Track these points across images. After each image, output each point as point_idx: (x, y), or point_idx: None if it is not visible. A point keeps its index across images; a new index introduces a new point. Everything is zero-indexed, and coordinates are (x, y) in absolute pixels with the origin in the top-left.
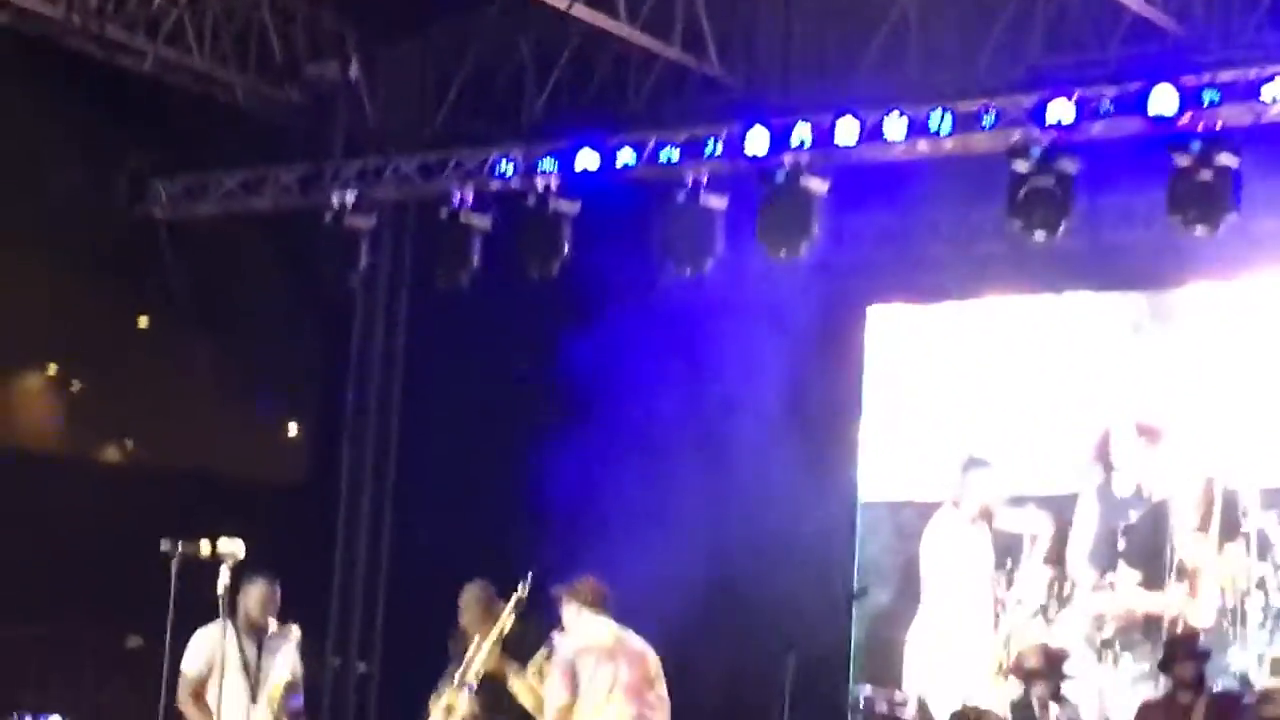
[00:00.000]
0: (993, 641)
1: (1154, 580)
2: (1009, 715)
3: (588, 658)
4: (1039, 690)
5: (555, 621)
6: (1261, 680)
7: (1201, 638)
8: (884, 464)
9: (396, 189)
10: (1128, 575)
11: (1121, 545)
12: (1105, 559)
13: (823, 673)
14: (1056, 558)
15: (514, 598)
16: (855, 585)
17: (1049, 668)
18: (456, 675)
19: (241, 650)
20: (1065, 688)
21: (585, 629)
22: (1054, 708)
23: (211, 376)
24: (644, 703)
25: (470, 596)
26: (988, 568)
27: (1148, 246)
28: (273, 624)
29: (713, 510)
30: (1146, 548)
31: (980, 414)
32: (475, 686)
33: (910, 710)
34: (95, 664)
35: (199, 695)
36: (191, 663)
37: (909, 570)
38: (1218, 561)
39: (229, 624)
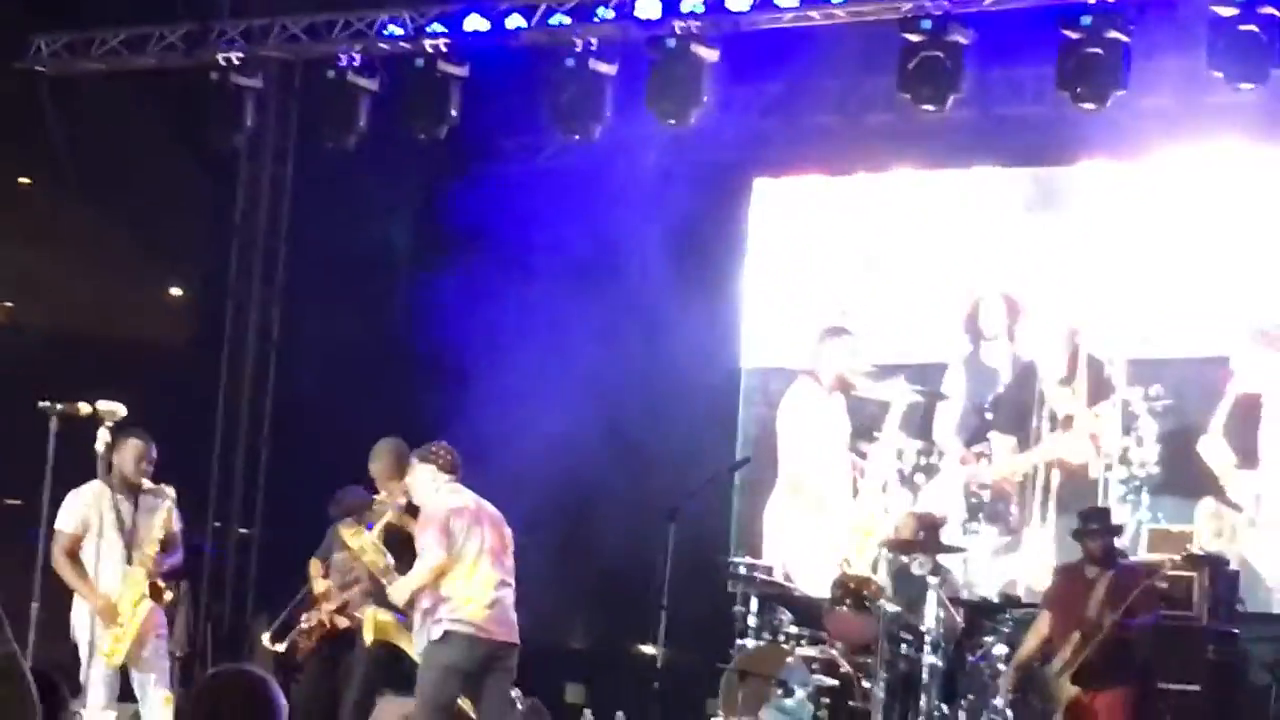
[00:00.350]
0: (852, 510)
1: (1026, 442)
2: (889, 583)
3: (459, 520)
4: (918, 560)
5: None
6: (1140, 553)
7: (1113, 513)
8: (763, 333)
9: (283, 48)
10: (1001, 442)
11: (989, 416)
12: (973, 430)
13: (705, 541)
14: (921, 428)
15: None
16: (738, 454)
17: (927, 535)
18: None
19: (117, 509)
20: (943, 557)
21: (447, 492)
22: (932, 579)
23: (95, 237)
24: (505, 568)
25: (381, 449)
26: (844, 437)
27: (1037, 121)
28: (147, 483)
29: (600, 375)
30: (1016, 413)
31: (854, 285)
32: (372, 525)
33: (777, 577)
34: None
35: (74, 554)
36: (66, 521)
37: (772, 439)
38: (1087, 414)
39: (101, 483)
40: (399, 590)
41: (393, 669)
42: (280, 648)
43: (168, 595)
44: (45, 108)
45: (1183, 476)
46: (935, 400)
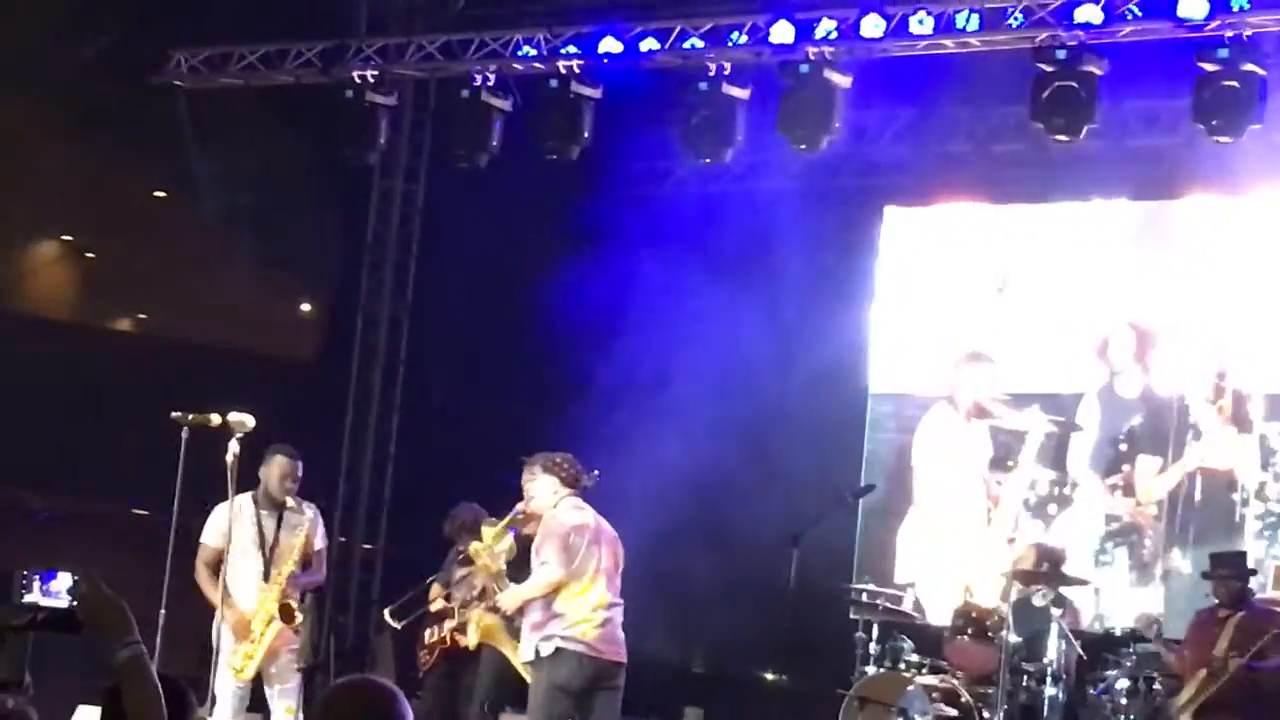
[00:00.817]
0: (986, 538)
1: (1168, 462)
2: (1009, 614)
3: (579, 536)
4: (1040, 591)
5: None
6: (1268, 589)
7: (1249, 558)
8: (892, 358)
9: (418, 67)
10: (1146, 465)
11: (1124, 448)
12: (1108, 461)
13: (827, 567)
14: (1055, 459)
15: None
16: (861, 481)
17: (1050, 568)
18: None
19: (259, 524)
20: (1065, 590)
21: (571, 506)
22: (1054, 610)
23: (228, 251)
24: (616, 588)
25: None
26: (981, 464)
27: (1171, 152)
28: (291, 500)
29: (728, 398)
30: (1158, 437)
31: (986, 313)
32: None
33: (907, 605)
34: (104, 530)
35: (215, 567)
36: (210, 535)
37: (904, 465)
38: (1232, 432)
39: (247, 498)
40: (509, 598)
41: (513, 687)
42: (398, 625)
43: (298, 617)
44: (182, 122)
45: None
46: (1070, 431)
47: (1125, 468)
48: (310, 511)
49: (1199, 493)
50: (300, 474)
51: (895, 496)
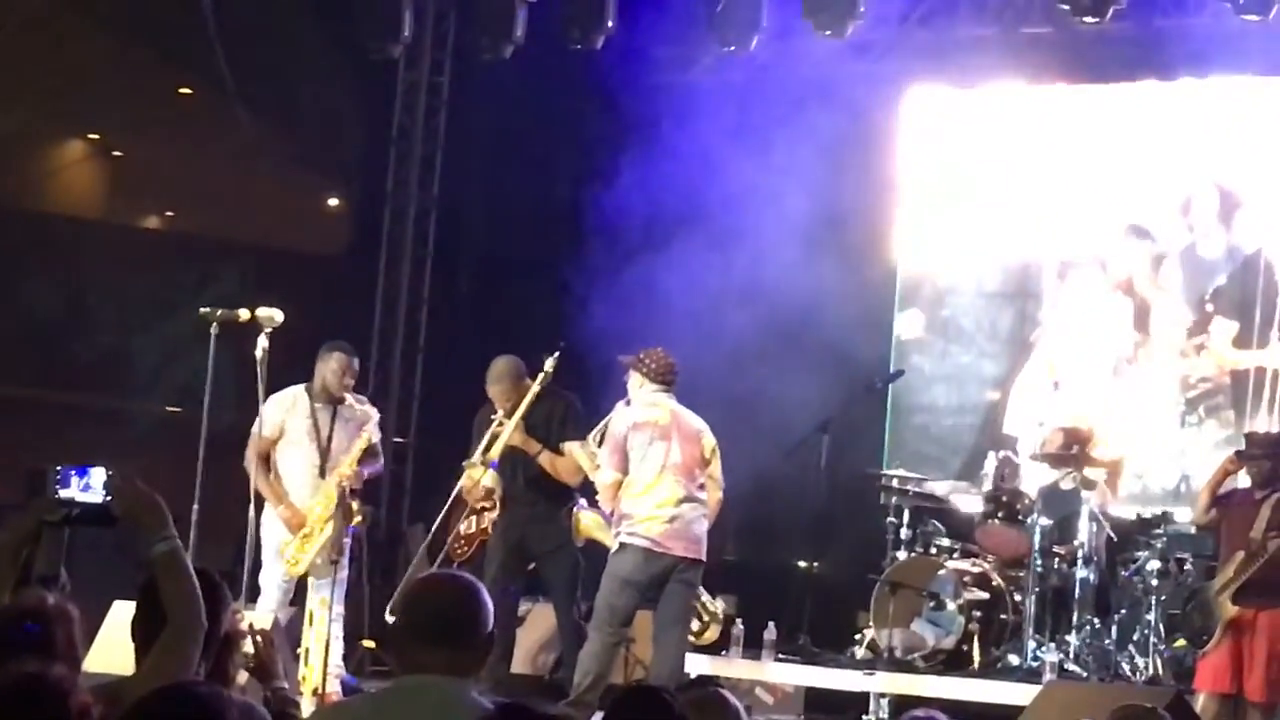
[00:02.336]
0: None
1: (1250, 331)
2: (1039, 500)
3: (640, 434)
4: (1069, 473)
5: (584, 396)
6: None
7: None
8: (922, 242)
9: None
10: (1223, 328)
11: (1209, 308)
12: (1192, 323)
13: (859, 452)
14: (1138, 320)
15: (540, 375)
16: (891, 366)
17: (1077, 450)
18: (478, 451)
19: (314, 418)
20: (1090, 471)
21: (643, 404)
22: (1084, 493)
23: (253, 146)
24: (693, 483)
25: (498, 369)
26: (1125, 332)
27: (1199, 33)
28: (349, 397)
29: (755, 282)
30: (1241, 300)
31: (1047, 186)
32: (498, 463)
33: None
34: (138, 427)
35: (266, 457)
36: (264, 424)
37: (997, 330)
38: None
39: (301, 390)
40: (602, 501)
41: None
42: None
43: (357, 518)
44: (206, 18)
45: None
46: (1159, 291)
47: (1214, 320)
48: (368, 406)
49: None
50: (357, 370)
51: (990, 362)
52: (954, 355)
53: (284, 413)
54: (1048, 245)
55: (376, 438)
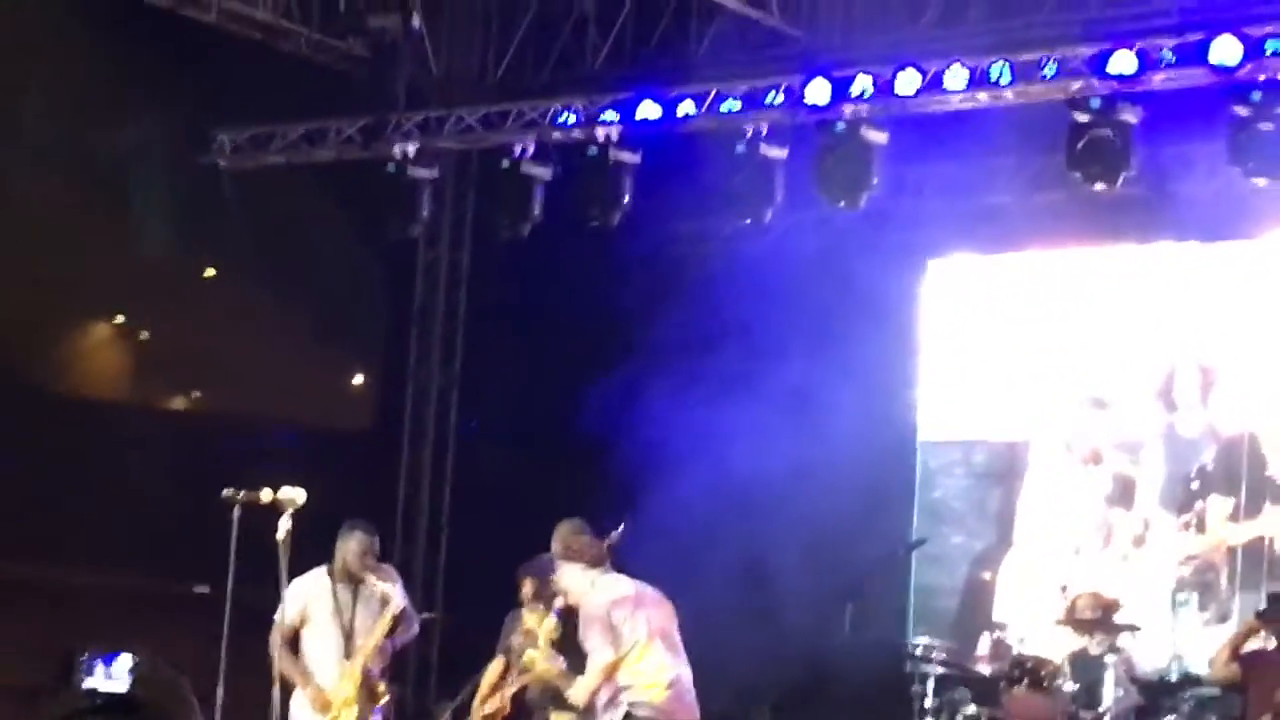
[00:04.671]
0: (1097, 573)
1: (1236, 513)
2: (1066, 666)
3: (620, 610)
4: (1096, 640)
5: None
6: None
7: None
8: (943, 413)
9: (458, 139)
10: (1218, 506)
11: (1195, 486)
12: (1179, 501)
13: (880, 621)
14: (1126, 501)
15: (605, 541)
16: (914, 531)
17: (1104, 616)
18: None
19: (336, 599)
20: (1121, 638)
21: (605, 584)
22: (1110, 658)
23: (277, 326)
24: (674, 645)
25: (566, 529)
26: (1097, 509)
27: (1210, 197)
28: (370, 577)
29: (778, 455)
30: (1229, 477)
31: (1043, 361)
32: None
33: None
34: (162, 610)
35: (291, 643)
36: (286, 611)
37: (984, 510)
38: None
39: (322, 572)
40: (578, 693)
41: None
42: None
43: (384, 698)
44: (229, 201)
45: None
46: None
47: (1198, 504)
48: (391, 579)
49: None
50: (378, 550)
51: (974, 542)
52: (945, 535)
53: (305, 598)
54: (1032, 422)
55: (403, 603)
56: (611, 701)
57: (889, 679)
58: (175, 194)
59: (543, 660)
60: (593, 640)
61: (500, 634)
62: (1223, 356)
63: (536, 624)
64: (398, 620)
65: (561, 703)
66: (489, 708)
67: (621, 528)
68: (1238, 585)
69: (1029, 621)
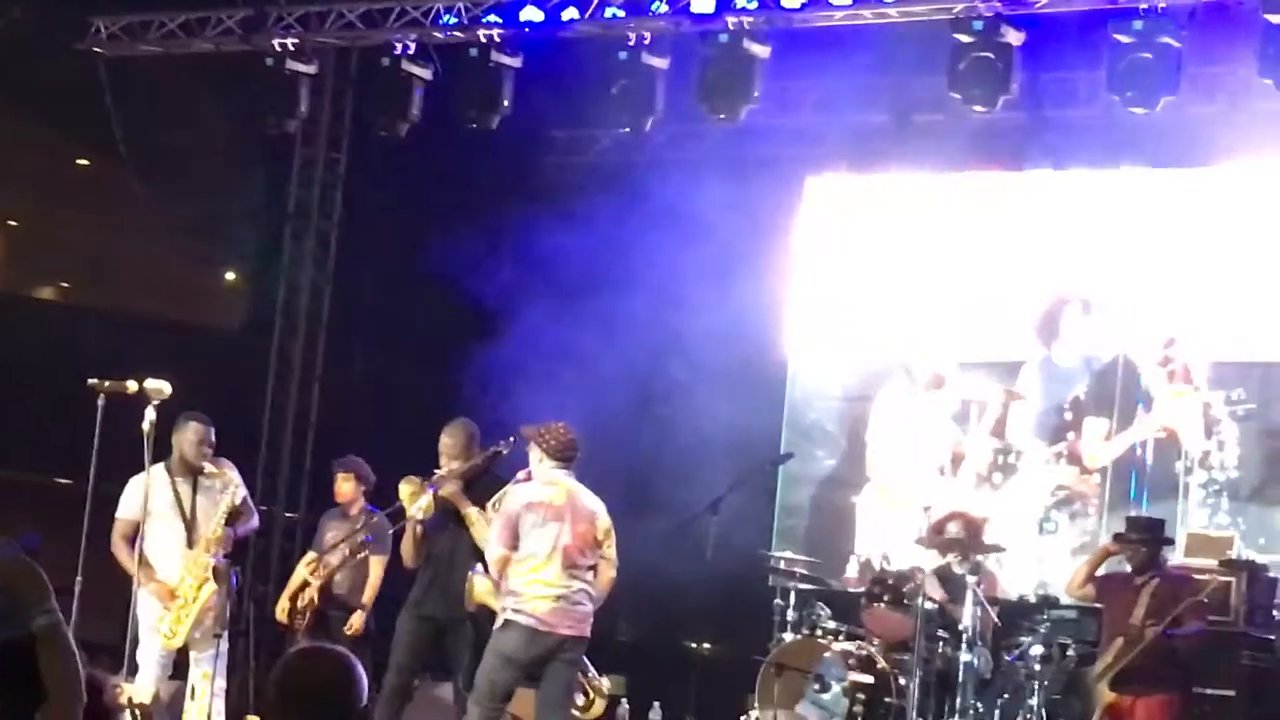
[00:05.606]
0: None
1: (1119, 428)
2: (927, 584)
3: (534, 514)
4: (959, 559)
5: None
6: (1177, 557)
7: (1176, 521)
8: (820, 332)
9: (338, 35)
10: (1094, 427)
11: (1068, 416)
12: (1052, 430)
13: (749, 534)
14: (998, 428)
15: (493, 449)
16: (781, 447)
17: (968, 535)
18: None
19: (176, 492)
20: (988, 560)
21: (540, 481)
22: (972, 578)
23: (150, 219)
24: (583, 563)
25: (458, 426)
26: (939, 434)
27: (1087, 124)
28: (208, 466)
29: (647, 369)
30: (1105, 401)
31: (920, 284)
32: (437, 489)
33: (852, 570)
34: (25, 499)
35: (130, 538)
36: (126, 507)
37: (855, 434)
38: (1182, 403)
39: (161, 466)
40: (490, 563)
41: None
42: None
43: (228, 580)
44: (104, 90)
45: (1264, 481)
46: (1012, 400)
47: (1070, 435)
48: (228, 469)
49: (1149, 456)
50: (214, 440)
51: (849, 465)
52: (818, 457)
53: (143, 493)
54: (900, 348)
55: (242, 495)
56: (502, 599)
57: (751, 592)
58: (50, 81)
59: (479, 522)
60: (492, 531)
61: (315, 531)
62: (1098, 286)
63: (410, 497)
64: (237, 510)
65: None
66: (300, 602)
67: (511, 439)
68: (1105, 511)
69: (890, 548)
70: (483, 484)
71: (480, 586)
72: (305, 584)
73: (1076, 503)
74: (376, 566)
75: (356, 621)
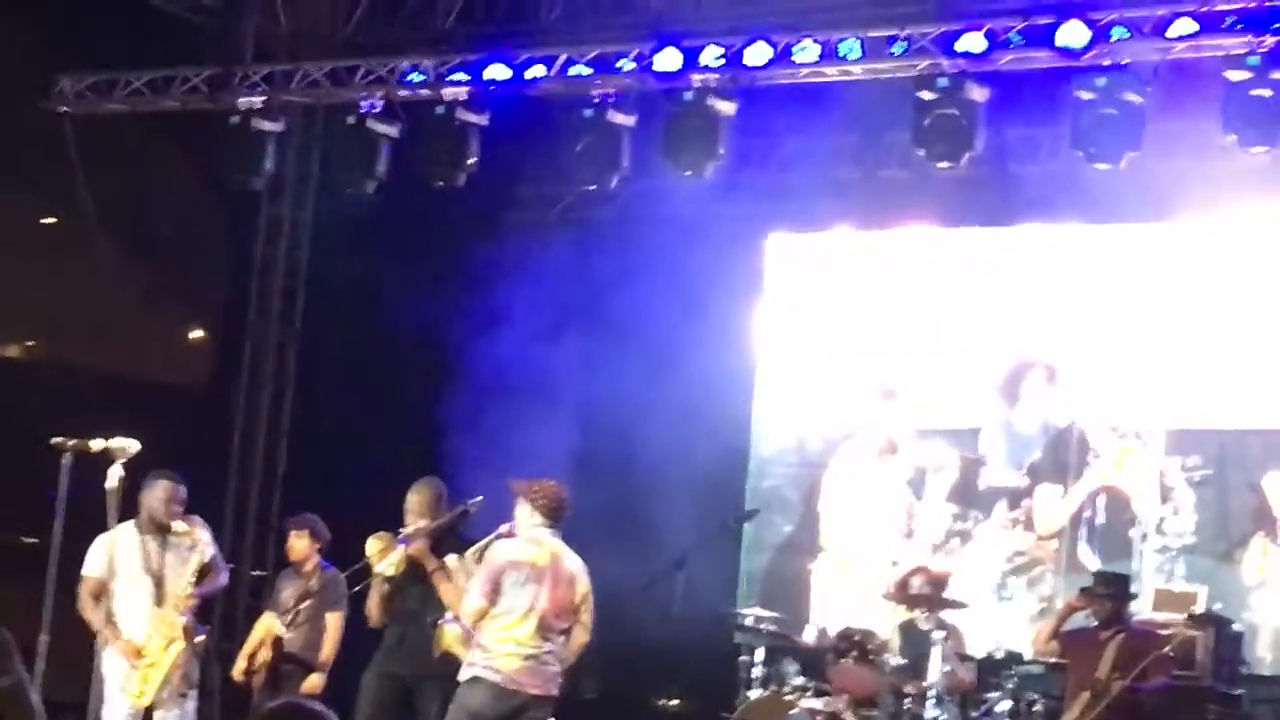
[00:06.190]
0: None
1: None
2: (896, 638)
3: (516, 573)
4: (923, 614)
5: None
6: (1145, 612)
7: (1133, 583)
8: (782, 392)
9: (304, 93)
10: (1047, 493)
11: (1025, 482)
12: (1009, 496)
13: (714, 593)
14: (957, 494)
15: (460, 508)
16: (746, 507)
17: (932, 590)
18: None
19: (145, 550)
20: (950, 614)
21: (525, 539)
22: (937, 634)
23: (116, 276)
24: (557, 625)
25: (426, 485)
26: (892, 501)
27: (1051, 180)
28: (178, 525)
29: (612, 428)
30: (1058, 466)
31: (883, 345)
32: (408, 544)
33: (809, 637)
34: None
35: (98, 597)
36: (92, 565)
37: (811, 501)
38: (1134, 466)
39: (129, 526)
40: (464, 613)
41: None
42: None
43: (199, 638)
44: (70, 148)
45: (1220, 547)
46: (977, 466)
47: (1025, 502)
48: (198, 528)
49: (1100, 515)
50: (184, 498)
51: (805, 532)
52: (776, 524)
53: (111, 551)
54: (858, 412)
55: (211, 553)
56: (471, 653)
57: (718, 649)
58: (15, 138)
59: (459, 574)
60: (475, 581)
61: (272, 591)
62: (1061, 350)
63: (379, 553)
64: (206, 568)
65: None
66: (256, 661)
67: (479, 499)
68: (1064, 574)
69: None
70: (448, 544)
71: (450, 634)
72: (261, 643)
73: (1035, 568)
74: (334, 623)
75: (315, 680)
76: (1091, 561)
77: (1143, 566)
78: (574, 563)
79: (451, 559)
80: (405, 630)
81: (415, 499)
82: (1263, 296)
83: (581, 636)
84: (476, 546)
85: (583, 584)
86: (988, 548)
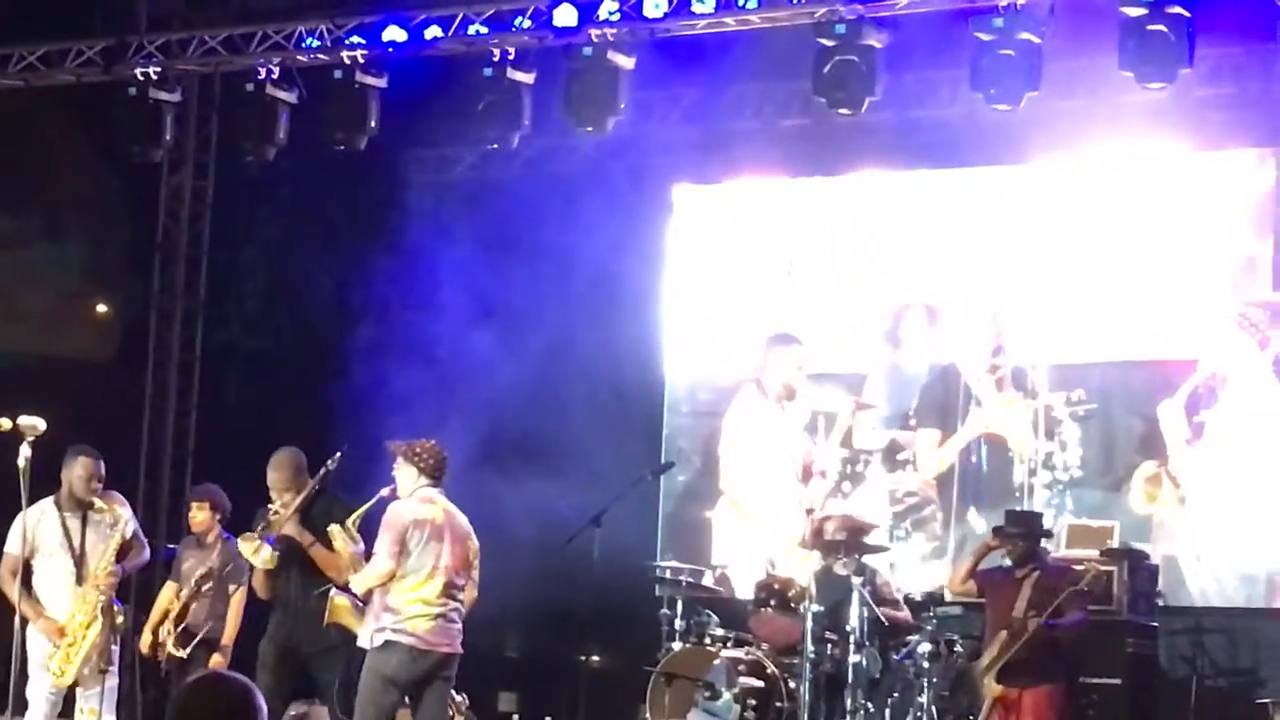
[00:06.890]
0: (797, 519)
1: (950, 431)
2: (811, 586)
3: (419, 532)
4: (841, 560)
5: (359, 498)
6: (1059, 549)
7: (1044, 518)
8: (688, 341)
9: (201, 62)
10: (926, 438)
11: (912, 423)
12: (896, 438)
13: (632, 546)
14: (849, 437)
15: (322, 470)
16: (662, 459)
17: (850, 536)
18: (257, 529)
19: (65, 527)
20: (869, 559)
21: (421, 499)
22: (855, 579)
23: (17, 253)
24: (458, 582)
25: (283, 458)
26: (790, 445)
27: (953, 124)
28: (97, 501)
29: (522, 385)
30: (939, 409)
31: (781, 292)
32: (275, 541)
33: (708, 581)
34: None
35: (17, 574)
36: (13, 542)
37: (710, 448)
38: (1012, 408)
39: (49, 502)
40: (358, 583)
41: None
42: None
43: (119, 618)
44: None
45: (1107, 479)
46: (860, 409)
47: (917, 433)
48: (118, 504)
49: (984, 461)
50: (103, 474)
51: (703, 480)
52: (673, 475)
53: (31, 529)
54: (753, 360)
55: (132, 529)
56: (377, 617)
57: (638, 603)
58: None
59: (339, 538)
60: (379, 544)
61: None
62: (942, 291)
63: (252, 553)
64: (127, 545)
65: (344, 585)
66: (160, 634)
67: (338, 455)
68: (953, 519)
69: (748, 560)
70: (321, 505)
71: (340, 604)
72: (165, 614)
73: (925, 509)
74: (237, 597)
75: (218, 660)
76: (979, 506)
77: (1032, 504)
78: (464, 520)
79: (334, 528)
80: (290, 607)
81: (275, 475)
82: (1146, 231)
83: (472, 592)
84: (357, 513)
85: (474, 541)
86: (878, 490)
